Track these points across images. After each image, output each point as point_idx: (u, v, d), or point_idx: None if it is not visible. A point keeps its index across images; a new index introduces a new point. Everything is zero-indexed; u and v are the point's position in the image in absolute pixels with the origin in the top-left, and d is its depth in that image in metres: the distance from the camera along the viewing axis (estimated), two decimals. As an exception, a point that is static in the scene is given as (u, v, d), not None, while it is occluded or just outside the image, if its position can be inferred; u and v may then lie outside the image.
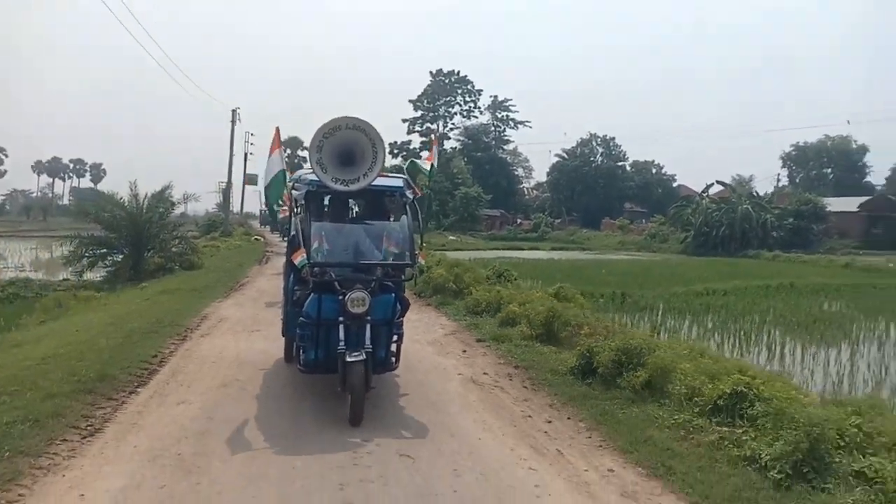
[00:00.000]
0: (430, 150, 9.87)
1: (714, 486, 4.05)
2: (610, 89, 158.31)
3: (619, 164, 76.52)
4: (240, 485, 4.06)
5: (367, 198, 7.02)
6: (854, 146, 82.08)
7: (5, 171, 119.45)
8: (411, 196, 6.27)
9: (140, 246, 17.89)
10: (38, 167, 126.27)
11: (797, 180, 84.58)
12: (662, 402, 5.58)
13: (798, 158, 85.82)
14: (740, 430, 4.69)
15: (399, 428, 5.25)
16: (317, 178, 5.75)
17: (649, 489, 4.10)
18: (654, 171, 79.90)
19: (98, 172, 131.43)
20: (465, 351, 8.19)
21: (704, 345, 8.38)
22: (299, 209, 6.27)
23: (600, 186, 73.01)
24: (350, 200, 7.22)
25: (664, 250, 45.89)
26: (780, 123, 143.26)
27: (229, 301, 12.05)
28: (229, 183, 48.86)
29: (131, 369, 6.63)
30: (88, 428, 4.95)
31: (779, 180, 75.92)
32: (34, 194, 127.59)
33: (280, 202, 7.48)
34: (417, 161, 9.54)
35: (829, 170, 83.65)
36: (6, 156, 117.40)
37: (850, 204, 50.41)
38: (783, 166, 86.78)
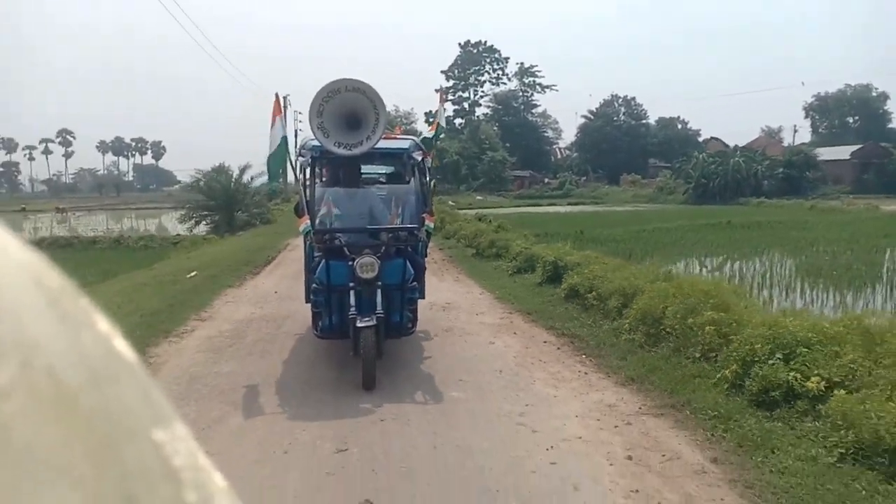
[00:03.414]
0: (436, 111, 9.75)
1: (496, 282, 10.73)
2: (639, 52, 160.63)
3: (642, 122, 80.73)
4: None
5: (383, 162, 7.30)
6: (874, 94, 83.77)
7: (73, 152, 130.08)
8: (419, 158, 6.27)
9: (231, 208, 25.25)
10: (103, 146, 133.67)
11: (820, 130, 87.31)
12: (500, 260, 12.27)
13: (821, 108, 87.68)
14: (521, 265, 11.35)
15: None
16: (320, 144, 5.68)
17: (470, 282, 10.85)
18: (679, 126, 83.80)
19: (158, 150, 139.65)
20: (428, 253, 14.98)
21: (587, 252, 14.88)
22: (304, 176, 6.22)
23: (624, 144, 77.61)
24: (366, 165, 7.20)
25: (670, 202, 51.06)
26: (804, 76, 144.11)
27: (300, 238, 19.15)
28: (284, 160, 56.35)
29: (258, 261, 13.69)
30: (254, 271, 12.01)
31: (796, 131, 79.10)
32: (100, 172, 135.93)
33: (282, 171, 7.14)
34: (426, 135, 8.51)
35: (852, 119, 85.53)
36: (74, 137, 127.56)
37: (843, 153, 54.62)
38: (806, 117, 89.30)
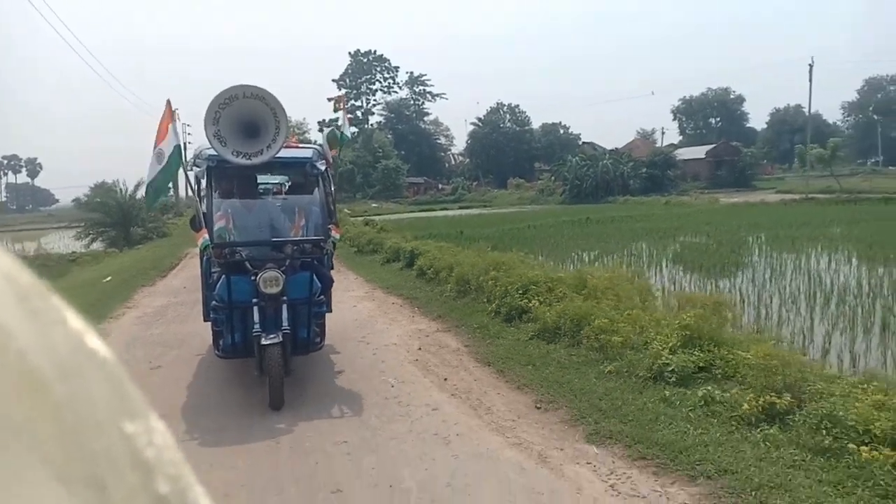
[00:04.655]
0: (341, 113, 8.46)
1: (369, 270, 13.23)
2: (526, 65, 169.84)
3: (527, 128, 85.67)
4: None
5: (284, 171, 7.21)
6: (732, 97, 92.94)
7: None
8: (323, 167, 6.07)
9: (127, 224, 26.38)
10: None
11: (687, 131, 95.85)
12: (376, 255, 14.79)
13: (686, 111, 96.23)
14: (390, 256, 13.91)
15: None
16: (217, 153, 5.42)
17: (348, 272, 13.29)
18: (561, 131, 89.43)
19: (34, 168, 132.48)
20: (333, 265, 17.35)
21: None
22: (199, 188, 5.94)
23: (511, 149, 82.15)
24: (265, 176, 7.29)
25: (550, 202, 55.29)
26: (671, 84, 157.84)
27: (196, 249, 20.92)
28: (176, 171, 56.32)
29: (164, 267, 15.52)
30: (161, 275, 13.90)
31: (663, 133, 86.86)
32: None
33: (171, 185, 6.34)
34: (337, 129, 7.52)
35: (714, 120, 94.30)
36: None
37: (700, 152, 61.26)
38: (674, 119, 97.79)
